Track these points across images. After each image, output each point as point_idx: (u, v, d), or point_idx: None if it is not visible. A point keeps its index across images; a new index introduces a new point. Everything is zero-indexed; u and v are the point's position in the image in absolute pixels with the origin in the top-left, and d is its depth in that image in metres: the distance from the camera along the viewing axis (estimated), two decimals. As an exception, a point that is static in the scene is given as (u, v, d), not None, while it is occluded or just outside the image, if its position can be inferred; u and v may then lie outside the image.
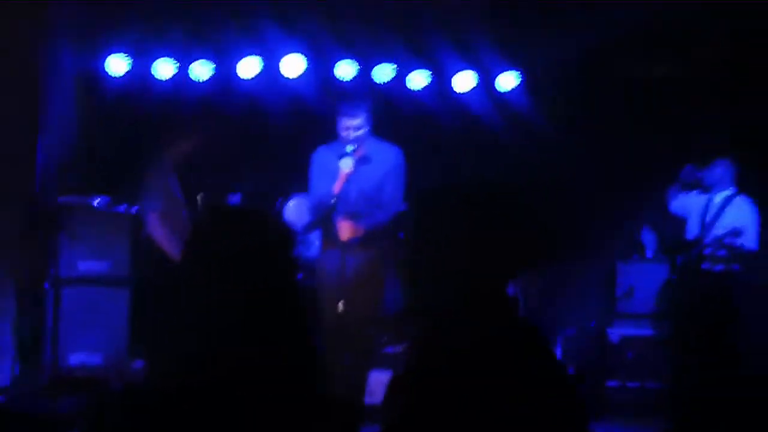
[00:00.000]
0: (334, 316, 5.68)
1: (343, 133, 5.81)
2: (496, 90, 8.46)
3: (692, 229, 7.13)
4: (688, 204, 7.18)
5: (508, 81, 8.41)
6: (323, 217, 5.86)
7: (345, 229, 5.75)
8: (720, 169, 7.00)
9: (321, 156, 5.98)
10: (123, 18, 7.59)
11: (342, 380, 5.72)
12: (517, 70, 8.40)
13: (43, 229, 6.56)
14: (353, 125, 5.78)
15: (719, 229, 6.83)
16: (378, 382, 6.09)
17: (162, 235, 6.02)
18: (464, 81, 8.34)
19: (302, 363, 1.98)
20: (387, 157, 5.90)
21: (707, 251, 6.96)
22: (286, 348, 1.95)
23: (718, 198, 6.99)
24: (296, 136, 8.17)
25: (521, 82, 8.42)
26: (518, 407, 1.87)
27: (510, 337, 1.96)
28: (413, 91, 8.40)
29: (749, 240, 6.80)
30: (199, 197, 6.89)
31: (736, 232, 6.69)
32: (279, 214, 7.79)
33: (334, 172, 5.77)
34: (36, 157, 6.75)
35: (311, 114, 8.09)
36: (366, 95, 6.40)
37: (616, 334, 7.70)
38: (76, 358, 6.45)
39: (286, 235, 2.15)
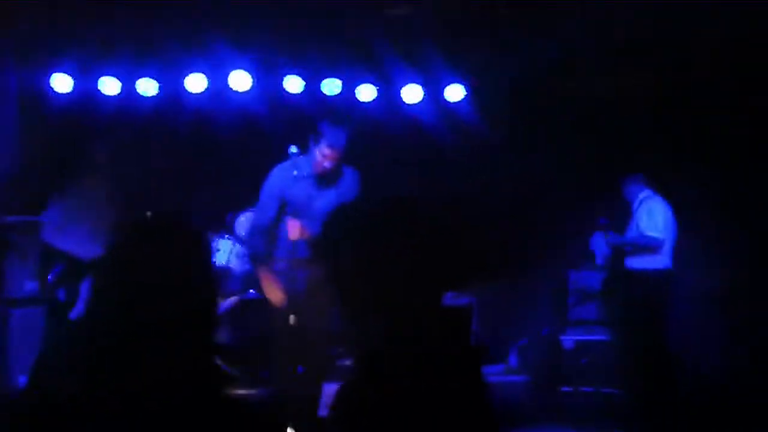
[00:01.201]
0: (285, 329, 5.65)
1: (320, 159, 5.71)
2: (443, 101, 8.51)
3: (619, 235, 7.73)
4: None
5: (455, 93, 8.46)
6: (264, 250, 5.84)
7: (294, 228, 5.71)
8: (633, 181, 7.67)
9: (275, 176, 5.91)
10: (68, 35, 7.49)
11: (296, 393, 5.70)
12: (462, 83, 8.46)
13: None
14: (334, 157, 5.70)
15: (634, 230, 7.49)
16: (325, 394, 6.08)
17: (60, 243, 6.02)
18: (412, 93, 8.38)
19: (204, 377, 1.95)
20: (346, 179, 5.88)
21: (628, 250, 7.58)
22: (187, 363, 1.92)
23: (636, 203, 7.60)
24: (245, 150, 8.15)
25: (467, 94, 8.48)
26: (444, 420, 1.90)
27: (440, 352, 1.98)
28: (362, 103, 8.42)
29: (661, 236, 7.38)
30: (147, 215, 6.84)
31: (642, 235, 7.38)
32: (230, 228, 7.75)
33: (286, 187, 5.76)
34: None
35: (260, 129, 8.08)
36: (349, 121, 6.20)
37: (569, 341, 7.77)
38: (24, 380, 6.32)
39: (203, 248, 2.11)
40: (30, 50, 7.50)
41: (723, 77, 7.53)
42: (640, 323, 7.30)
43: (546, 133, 8.39)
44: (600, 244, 8.27)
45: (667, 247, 7.39)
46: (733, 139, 7.74)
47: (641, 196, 7.57)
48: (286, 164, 5.82)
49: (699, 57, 7.42)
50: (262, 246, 5.84)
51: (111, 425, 1.84)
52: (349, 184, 5.85)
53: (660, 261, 7.37)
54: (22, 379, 6.29)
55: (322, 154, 5.66)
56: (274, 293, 5.74)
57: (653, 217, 7.39)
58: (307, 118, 8.09)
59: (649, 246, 7.35)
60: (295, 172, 5.75)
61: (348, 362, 7.15)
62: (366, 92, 8.38)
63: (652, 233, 7.33)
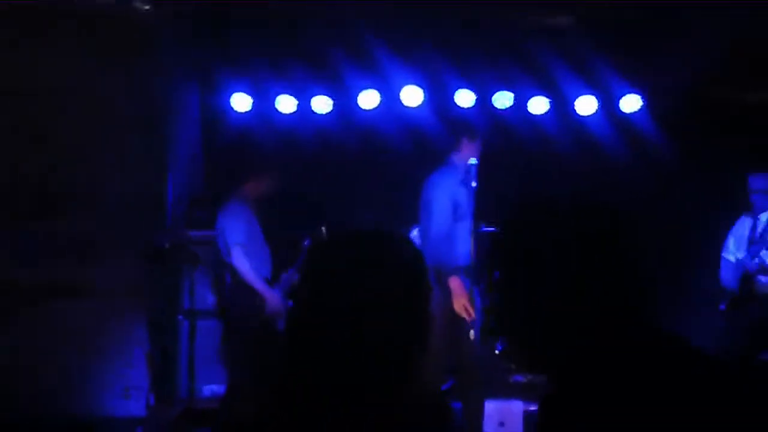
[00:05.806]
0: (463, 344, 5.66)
1: (466, 161, 5.85)
2: (619, 113, 8.30)
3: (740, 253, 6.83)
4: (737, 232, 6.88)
5: (630, 104, 8.24)
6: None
7: None
8: (761, 185, 6.72)
9: (443, 182, 5.96)
10: (245, 55, 7.75)
11: (463, 410, 5.73)
12: (637, 93, 8.23)
13: (175, 262, 6.69)
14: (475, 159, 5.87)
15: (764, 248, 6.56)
16: (497, 411, 6.05)
17: (247, 268, 6.03)
18: (586, 105, 8.22)
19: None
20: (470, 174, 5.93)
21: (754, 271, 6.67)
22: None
23: (764, 216, 6.72)
24: (416, 165, 8.18)
25: (643, 104, 8.25)
26: None
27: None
28: (534, 116, 8.33)
29: None
30: (323, 228, 6.95)
31: None
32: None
33: (455, 192, 5.79)
34: (167, 192, 6.93)
35: (431, 143, 8.10)
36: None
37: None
38: (208, 390, 6.55)
39: (421, 263, 1.85)
40: (212, 72, 7.79)
41: None
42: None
43: (717, 147, 7.96)
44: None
45: None
46: None
47: None
48: (447, 169, 5.85)
49: None
50: (451, 252, 5.81)
51: None
52: (472, 177, 5.86)
53: None
54: (205, 390, 6.53)
55: (469, 158, 5.87)
56: (465, 306, 5.70)
57: None
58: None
59: None
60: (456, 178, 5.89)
61: (518, 379, 7.13)
62: (538, 105, 8.27)
63: None
